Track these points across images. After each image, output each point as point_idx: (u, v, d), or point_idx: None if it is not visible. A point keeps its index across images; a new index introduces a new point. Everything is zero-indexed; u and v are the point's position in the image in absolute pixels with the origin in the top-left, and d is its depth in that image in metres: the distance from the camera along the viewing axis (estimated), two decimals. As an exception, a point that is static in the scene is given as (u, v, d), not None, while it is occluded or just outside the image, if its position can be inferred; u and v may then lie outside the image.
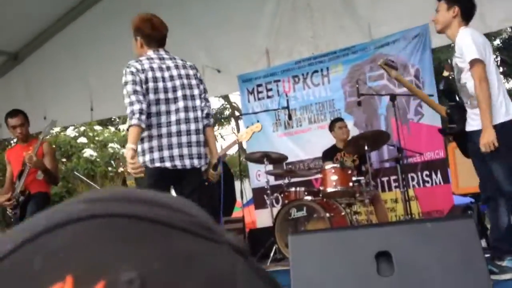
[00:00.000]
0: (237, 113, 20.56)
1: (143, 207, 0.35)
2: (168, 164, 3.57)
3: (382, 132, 5.96)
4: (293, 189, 5.82)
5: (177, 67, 3.74)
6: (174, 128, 3.61)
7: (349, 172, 5.52)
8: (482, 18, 5.28)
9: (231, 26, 7.15)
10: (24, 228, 0.34)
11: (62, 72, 8.03)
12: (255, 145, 6.50)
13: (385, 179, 6.34)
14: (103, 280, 0.31)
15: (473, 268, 1.94)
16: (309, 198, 5.53)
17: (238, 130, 21.29)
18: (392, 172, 6.12)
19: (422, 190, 6.13)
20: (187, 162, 3.64)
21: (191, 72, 3.80)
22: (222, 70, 7.24)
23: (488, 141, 3.47)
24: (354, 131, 6.30)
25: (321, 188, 5.60)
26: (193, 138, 3.67)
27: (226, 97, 20.01)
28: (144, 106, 3.48)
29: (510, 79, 18.58)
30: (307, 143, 6.92)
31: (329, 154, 6.17)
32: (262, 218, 6.86)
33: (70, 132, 13.13)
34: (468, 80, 3.66)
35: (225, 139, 21.49)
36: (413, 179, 6.19)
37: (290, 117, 6.35)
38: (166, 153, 3.57)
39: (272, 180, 6.41)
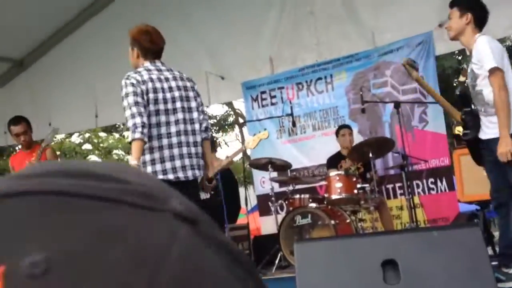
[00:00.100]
0: (240, 120, 20.57)
1: (70, 180, 0.31)
2: (171, 177, 3.58)
3: (387, 139, 5.96)
4: (297, 196, 5.81)
5: (175, 78, 3.75)
6: (175, 140, 3.62)
7: (354, 179, 5.52)
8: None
9: (235, 33, 7.17)
10: None
11: (67, 79, 8.05)
12: (259, 152, 6.49)
13: (390, 186, 6.32)
14: (3, 265, 0.27)
15: (479, 276, 1.94)
16: (313, 205, 5.52)
17: (242, 137, 21.32)
18: (397, 180, 6.11)
19: (427, 197, 6.12)
20: (189, 173, 3.66)
21: (188, 84, 3.82)
22: (226, 77, 7.25)
23: (506, 150, 3.46)
24: (358, 139, 6.29)
25: (326, 195, 5.60)
26: (193, 150, 3.70)
27: (229, 104, 20.01)
28: (145, 119, 3.48)
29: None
30: (311, 150, 6.92)
31: (334, 161, 6.16)
32: (267, 225, 6.84)
33: (75, 138, 13.17)
34: (484, 87, 3.65)
35: (229, 145, 21.51)
36: (418, 186, 6.17)
37: (294, 124, 6.35)
38: (168, 165, 3.58)
39: (277, 187, 6.41)
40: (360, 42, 6.56)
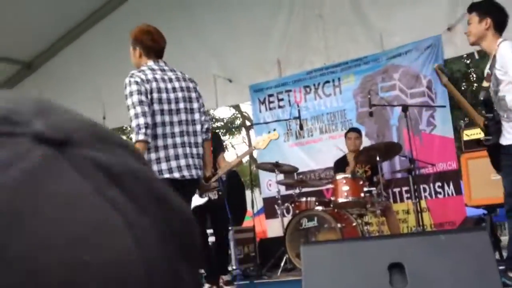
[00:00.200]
0: (247, 123, 20.58)
1: None
2: (177, 175, 3.60)
3: (394, 144, 5.94)
4: (304, 199, 5.80)
5: (178, 79, 3.77)
6: (178, 140, 3.64)
7: (361, 182, 5.51)
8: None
9: (243, 36, 7.19)
10: None
11: (75, 81, 8.09)
12: (266, 154, 6.50)
13: (396, 190, 6.31)
14: None
15: (486, 280, 1.93)
16: (320, 208, 5.52)
17: (249, 140, 21.34)
18: (404, 183, 6.09)
19: (434, 201, 6.09)
20: (193, 172, 3.70)
21: (190, 85, 3.84)
22: (234, 80, 7.26)
23: None
24: (365, 142, 6.28)
25: (332, 198, 5.59)
26: (194, 150, 3.73)
27: (237, 107, 20.04)
28: (149, 119, 3.49)
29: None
30: (318, 153, 6.91)
31: (341, 164, 6.15)
32: (273, 227, 6.84)
33: (82, 140, 13.22)
34: (507, 93, 3.63)
35: (236, 148, 21.53)
36: (425, 190, 6.15)
37: (301, 127, 6.34)
38: (173, 163, 3.60)
39: (283, 190, 6.40)
40: (368, 45, 6.55)
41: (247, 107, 18.98)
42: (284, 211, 6.26)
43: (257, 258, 6.28)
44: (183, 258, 0.31)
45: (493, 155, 3.87)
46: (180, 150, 3.63)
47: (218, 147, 5.37)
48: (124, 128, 16.78)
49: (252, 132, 19.56)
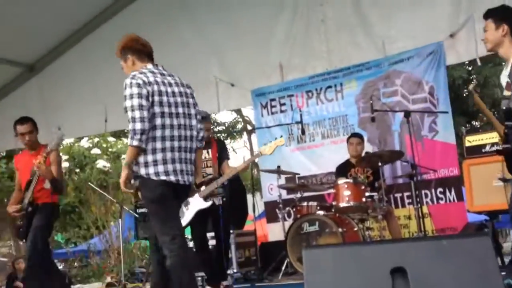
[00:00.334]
0: (249, 127, 20.59)
1: None
2: (172, 178, 3.62)
3: (397, 151, 5.96)
4: (305, 203, 5.81)
5: (176, 84, 3.79)
6: (176, 144, 3.66)
7: (362, 187, 5.51)
8: None
9: (245, 40, 7.20)
10: None
11: (77, 84, 8.11)
12: (268, 159, 6.49)
13: (398, 195, 6.31)
14: None
15: (489, 285, 1.93)
16: (321, 212, 5.53)
17: (250, 144, 21.34)
18: (406, 189, 6.10)
19: (435, 207, 6.09)
20: (186, 178, 3.72)
21: (188, 91, 3.86)
22: (236, 84, 7.28)
23: None
24: (367, 147, 6.29)
25: (334, 203, 5.60)
26: (188, 155, 3.76)
27: (238, 111, 20.05)
28: (146, 125, 3.49)
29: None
30: (320, 157, 6.92)
31: (343, 169, 6.15)
32: (274, 231, 6.84)
33: (84, 143, 13.22)
34: None
35: (237, 152, 21.53)
36: (426, 195, 6.15)
37: (303, 132, 6.36)
38: (170, 167, 3.61)
39: (284, 194, 6.41)
40: (370, 51, 6.56)
41: (248, 111, 19.00)
42: (285, 215, 6.26)
43: (258, 261, 6.28)
44: None
45: (510, 160, 3.85)
46: (177, 154, 3.65)
47: (223, 154, 5.40)
48: (125, 131, 16.79)
49: (253, 136, 19.57)
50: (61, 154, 11.98)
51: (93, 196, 10.19)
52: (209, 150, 5.33)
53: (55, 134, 4.95)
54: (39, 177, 5.12)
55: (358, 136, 6.23)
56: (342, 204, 5.48)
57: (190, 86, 3.93)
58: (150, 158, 3.57)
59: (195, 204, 5.05)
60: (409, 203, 6.16)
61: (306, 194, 6.13)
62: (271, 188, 7.01)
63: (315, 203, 5.78)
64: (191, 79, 7.39)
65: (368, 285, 2.06)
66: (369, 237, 5.58)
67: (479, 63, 6.25)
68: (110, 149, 13.64)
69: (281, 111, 7.16)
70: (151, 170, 3.56)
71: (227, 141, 20.70)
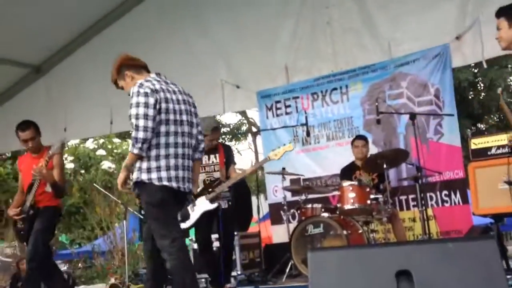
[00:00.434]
0: (254, 129, 20.59)
1: None
2: (174, 185, 3.68)
3: (401, 150, 5.94)
4: (310, 205, 5.80)
5: (180, 92, 3.86)
6: (180, 150, 3.72)
7: (367, 189, 5.50)
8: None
9: (250, 42, 7.21)
10: None
11: (83, 85, 8.13)
12: (273, 161, 6.49)
13: (403, 197, 6.29)
14: None
15: (494, 288, 1.93)
16: (326, 215, 5.52)
17: (255, 146, 21.35)
18: (411, 191, 6.09)
19: (440, 209, 6.07)
20: (186, 185, 3.78)
21: (190, 100, 3.94)
22: (241, 86, 7.28)
23: None
24: (372, 150, 6.28)
25: (339, 205, 5.59)
26: (190, 163, 3.82)
27: (243, 113, 20.06)
28: (149, 135, 3.55)
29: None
30: (325, 159, 6.91)
31: (348, 171, 6.14)
32: (278, 233, 6.84)
33: (89, 144, 13.25)
34: None
35: (242, 154, 21.53)
36: (431, 198, 6.13)
37: (308, 134, 6.35)
38: (172, 173, 3.66)
39: (289, 196, 6.40)
40: (376, 53, 6.56)
41: (253, 113, 19.01)
42: (290, 217, 6.25)
43: (262, 263, 6.28)
44: None
45: None
46: (180, 161, 3.71)
47: (229, 159, 5.44)
48: (130, 132, 16.81)
49: (258, 138, 19.57)
50: (66, 155, 12.00)
51: (97, 197, 10.21)
52: (217, 155, 5.38)
53: (58, 137, 4.96)
54: (40, 180, 5.11)
55: (363, 138, 6.22)
56: (347, 206, 5.47)
57: (191, 96, 3.99)
58: (153, 164, 3.62)
59: (201, 205, 5.08)
60: (414, 206, 6.15)
61: (310, 196, 6.13)
62: (276, 190, 7.01)
63: (319, 205, 5.77)
64: (197, 81, 7.50)
65: None
66: (373, 240, 5.57)
67: (485, 66, 6.25)
68: (115, 151, 13.67)
69: (286, 113, 7.15)
70: (154, 175, 3.62)
71: (231, 143, 20.71)
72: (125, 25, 7.73)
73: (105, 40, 7.83)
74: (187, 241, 6.97)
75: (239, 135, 21.85)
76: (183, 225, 5.21)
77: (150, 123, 3.54)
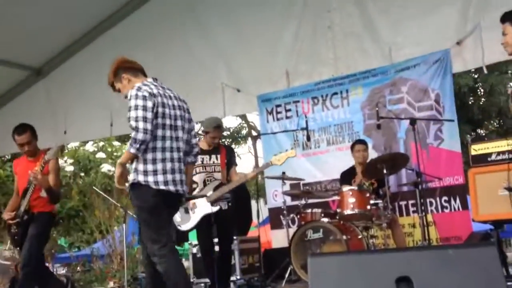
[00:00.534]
0: (254, 133, 20.60)
1: None
2: (172, 188, 3.73)
3: (401, 154, 5.94)
4: (309, 210, 5.80)
5: (175, 98, 3.92)
6: (175, 154, 3.78)
7: (367, 195, 5.50)
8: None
9: (252, 46, 7.21)
10: None
11: (84, 88, 8.14)
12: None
13: (403, 203, 6.28)
14: None
15: (495, 296, 1.92)
16: (325, 220, 5.51)
17: (255, 150, 21.36)
18: (410, 197, 6.08)
19: (440, 215, 6.06)
20: (184, 188, 3.86)
21: (184, 105, 3.99)
22: (242, 89, 7.28)
23: None
24: (372, 154, 6.27)
25: (338, 210, 5.58)
26: (183, 166, 3.88)
27: (243, 116, 20.08)
28: (148, 137, 3.60)
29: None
30: (325, 164, 6.90)
31: (348, 176, 6.14)
32: (278, 238, 6.82)
33: (89, 147, 13.23)
34: None
35: (241, 158, 21.54)
36: (431, 204, 6.12)
37: (308, 138, 6.34)
38: (169, 177, 3.72)
39: (289, 201, 6.39)
40: (377, 57, 6.56)
41: (253, 117, 19.02)
42: (290, 222, 6.24)
43: (262, 268, 6.26)
44: None
45: None
46: (176, 165, 3.77)
47: (230, 160, 5.44)
48: (131, 136, 16.79)
49: (258, 142, 19.58)
50: (66, 158, 11.97)
51: (97, 200, 10.19)
52: (218, 156, 5.38)
53: (56, 142, 4.95)
54: (35, 185, 5.08)
55: (363, 142, 6.22)
56: (347, 212, 5.46)
57: (185, 101, 4.04)
58: (150, 167, 3.67)
59: (202, 208, 5.07)
60: (413, 211, 6.14)
61: (310, 201, 6.12)
62: (276, 195, 7.00)
63: (319, 210, 5.76)
64: (198, 84, 7.50)
65: (373, 294, 2.05)
66: (373, 245, 5.56)
67: (485, 71, 6.25)
68: (115, 154, 13.64)
69: (287, 117, 7.15)
70: (151, 178, 3.67)
71: (232, 146, 20.71)
72: (126, 28, 7.73)
73: (105, 43, 7.84)
74: (186, 245, 6.96)
75: (239, 139, 21.86)
76: (184, 227, 5.22)
77: (149, 126, 3.59)
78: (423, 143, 6.13)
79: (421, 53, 6.26)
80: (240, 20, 7.25)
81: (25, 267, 5.04)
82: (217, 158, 5.37)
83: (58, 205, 6.17)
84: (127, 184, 3.73)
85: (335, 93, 6.86)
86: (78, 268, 10.78)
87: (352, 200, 5.47)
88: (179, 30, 7.54)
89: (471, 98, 15.71)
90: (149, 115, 3.60)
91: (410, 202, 6.20)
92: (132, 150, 3.60)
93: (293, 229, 5.97)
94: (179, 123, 3.84)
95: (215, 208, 5.08)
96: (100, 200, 10.01)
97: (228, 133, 21.28)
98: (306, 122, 6.20)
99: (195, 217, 5.14)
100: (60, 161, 11.18)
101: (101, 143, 13.55)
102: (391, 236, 5.82)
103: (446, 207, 6.10)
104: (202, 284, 5.89)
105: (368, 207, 5.42)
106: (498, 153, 4.75)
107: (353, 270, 2.14)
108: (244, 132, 22.08)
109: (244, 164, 21.52)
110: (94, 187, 9.47)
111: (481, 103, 15.84)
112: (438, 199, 6.14)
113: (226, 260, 5.34)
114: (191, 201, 5.10)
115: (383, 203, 5.47)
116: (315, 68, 6.95)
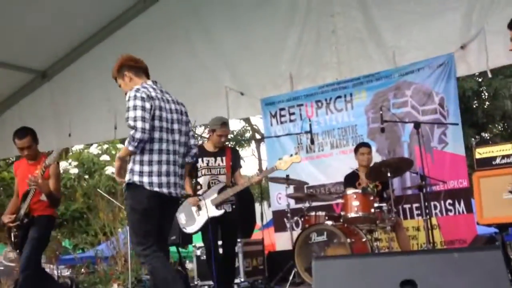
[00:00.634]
0: (257, 136, 20.60)
1: None
2: (165, 191, 3.76)
3: (405, 159, 5.93)
4: (313, 213, 5.80)
5: (173, 102, 3.96)
6: (171, 157, 3.82)
7: (371, 198, 5.49)
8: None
9: (256, 49, 7.23)
10: None
11: (88, 91, 8.16)
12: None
13: (407, 206, 6.28)
14: None
15: (499, 299, 1.92)
16: (329, 223, 5.51)
17: (259, 153, 21.35)
18: (415, 200, 6.08)
19: (444, 218, 6.07)
20: (178, 191, 3.88)
21: (182, 109, 4.03)
22: (246, 93, 7.29)
23: None
24: (376, 158, 6.27)
25: (342, 213, 5.58)
26: (179, 170, 3.91)
27: (247, 119, 20.08)
28: (146, 136, 3.64)
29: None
30: (329, 167, 6.91)
31: (351, 179, 6.14)
32: (282, 241, 6.83)
33: (93, 149, 13.25)
34: None
35: (245, 161, 21.52)
36: (435, 207, 6.13)
37: (312, 142, 6.36)
38: (164, 179, 3.75)
39: (293, 204, 6.39)
40: (381, 61, 6.56)
41: (257, 120, 19.02)
42: (294, 224, 6.25)
43: (266, 271, 6.27)
44: None
45: None
46: (172, 168, 3.81)
47: (236, 163, 5.45)
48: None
49: (262, 145, 19.58)
50: (70, 160, 11.99)
51: (101, 202, 10.19)
52: (223, 158, 5.39)
53: (58, 146, 4.95)
54: (36, 189, 5.08)
55: (367, 145, 6.22)
56: (351, 215, 5.46)
57: (184, 105, 4.07)
58: (146, 168, 3.71)
59: (208, 211, 5.08)
60: (418, 215, 6.13)
61: (314, 203, 6.13)
62: (280, 197, 7.01)
63: (323, 213, 5.76)
64: (202, 87, 7.52)
65: (378, 297, 2.05)
66: (377, 248, 5.55)
67: (489, 75, 6.25)
68: (119, 156, 13.64)
69: (290, 121, 7.16)
70: (146, 179, 3.70)
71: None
72: (130, 31, 7.76)
73: (110, 47, 7.85)
74: (190, 247, 6.97)
75: (243, 142, 21.86)
76: (189, 230, 5.23)
77: (147, 126, 3.64)
78: (427, 147, 6.13)
79: (425, 57, 6.26)
80: (244, 24, 7.26)
81: (24, 270, 5.04)
82: (222, 161, 5.39)
83: (62, 207, 6.19)
84: (126, 178, 3.75)
85: (339, 97, 6.86)
86: (83, 270, 10.80)
87: (356, 203, 5.47)
88: (184, 34, 7.56)
89: (475, 101, 15.68)
90: (147, 115, 3.65)
91: (415, 205, 6.21)
92: (131, 148, 3.65)
93: (297, 231, 5.98)
94: (175, 126, 3.88)
95: (220, 211, 5.10)
96: (104, 202, 10.02)
97: (232, 136, 21.29)
98: (310, 125, 6.22)
99: (200, 220, 5.15)
100: (65, 164, 11.24)
101: (106, 146, 13.56)
102: (395, 239, 5.82)
103: (451, 210, 6.10)
104: (206, 287, 5.89)
105: (372, 210, 5.42)
106: (503, 157, 4.76)
107: (357, 273, 2.15)
108: (247, 135, 22.08)
109: (248, 167, 21.52)
110: (98, 190, 9.49)
111: (485, 106, 15.81)
112: (442, 202, 6.13)
113: (230, 262, 5.34)
114: (195, 202, 5.14)
115: (387, 206, 5.47)
116: (318, 72, 6.96)
